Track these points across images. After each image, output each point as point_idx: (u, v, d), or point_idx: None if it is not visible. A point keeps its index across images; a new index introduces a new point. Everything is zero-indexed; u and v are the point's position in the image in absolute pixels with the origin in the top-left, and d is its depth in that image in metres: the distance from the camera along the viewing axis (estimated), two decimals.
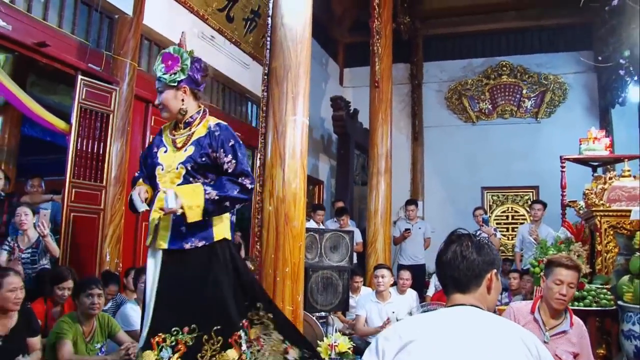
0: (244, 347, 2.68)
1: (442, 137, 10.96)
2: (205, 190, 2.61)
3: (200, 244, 2.67)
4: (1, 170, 5.24)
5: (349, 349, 4.52)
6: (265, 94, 4.71)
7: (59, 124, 5.32)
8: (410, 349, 1.54)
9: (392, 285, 5.61)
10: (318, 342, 4.62)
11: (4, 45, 4.85)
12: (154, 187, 2.81)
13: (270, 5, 4.82)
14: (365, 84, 8.86)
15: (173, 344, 2.55)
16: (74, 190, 5.22)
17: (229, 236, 2.78)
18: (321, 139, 10.38)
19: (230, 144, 2.73)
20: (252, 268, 4.61)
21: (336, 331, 4.95)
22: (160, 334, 2.57)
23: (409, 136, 11.08)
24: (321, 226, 7.04)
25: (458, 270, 1.69)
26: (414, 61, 11.21)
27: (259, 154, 4.71)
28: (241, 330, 2.69)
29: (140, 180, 2.89)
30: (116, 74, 5.64)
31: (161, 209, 2.61)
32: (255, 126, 8.55)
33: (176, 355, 2.54)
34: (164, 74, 2.72)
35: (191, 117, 2.80)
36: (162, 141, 2.85)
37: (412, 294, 6.00)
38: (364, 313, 5.35)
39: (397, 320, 5.32)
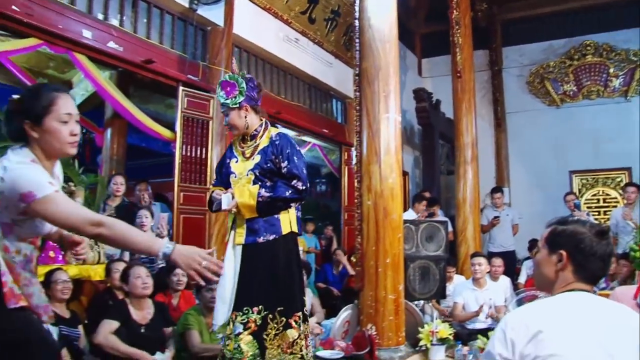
0: (302, 327, 3.07)
1: (526, 122, 10.78)
2: (259, 192, 3.02)
3: (271, 238, 3.08)
4: (123, 176, 5.69)
5: (449, 334, 4.67)
6: (357, 94, 4.91)
7: (165, 132, 5.76)
8: (541, 338, 1.56)
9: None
10: (419, 329, 4.80)
11: (116, 64, 5.34)
12: None
13: (357, 7, 5.01)
14: (444, 73, 8.89)
15: (244, 321, 2.96)
16: (182, 193, 5.63)
17: (295, 229, 3.19)
18: (404, 130, 10.48)
19: (287, 151, 3.11)
20: (354, 260, 4.84)
21: (436, 318, 5.10)
22: (234, 312, 3.01)
23: (491, 123, 10.97)
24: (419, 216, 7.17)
25: (603, 268, 1.76)
26: (492, 47, 11.06)
27: (355, 152, 4.92)
28: (301, 313, 3.09)
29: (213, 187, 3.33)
30: (212, 82, 5.98)
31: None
32: (341, 122, 8.80)
33: (247, 331, 2.95)
34: (225, 99, 3.14)
35: (255, 130, 3.21)
36: (233, 153, 3.28)
37: (505, 281, 6.09)
38: (462, 300, 5.49)
39: (495, 307, 5.43)
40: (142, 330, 3.71)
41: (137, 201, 5.83)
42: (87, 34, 4.76)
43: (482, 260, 5.54)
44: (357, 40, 5.03)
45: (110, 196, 5.44)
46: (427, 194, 8.14)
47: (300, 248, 7.00)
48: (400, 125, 4.81)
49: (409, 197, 10.35)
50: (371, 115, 4.73)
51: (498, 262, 6.08)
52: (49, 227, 2.04)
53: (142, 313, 3.80)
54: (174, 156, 5.66)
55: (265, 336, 2.97)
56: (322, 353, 4.23)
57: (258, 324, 2.97)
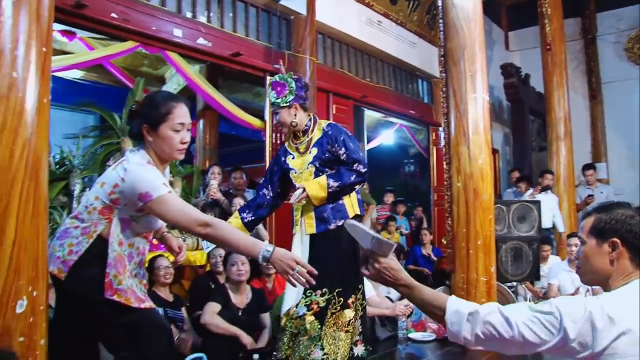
0: (358, 308, 3.21)
1: (624, 92, 10.11)
2: (328, 184, 3.15)
3: (340, 223, 3.21)
4: (219, 166, 5.91)
5: None
6: (443, 74, 4.87)
7: (255, 122, 5.95)
8: (624, 341, 1.45)
9: None
10: None
11: (206, 59, 5.58)
12: (287, 189, 3.46)
13: None
14: (534, 45, 8.56)
15: (307, 303, 3.13)
16: None
17: (358, 211, 3.33)
18: (492, 106, 10.19)
19: (341, 138, 3.22)
20: (445, 242, 4.84)
21: (529, 300, 5.01)
22: None
23: (585, 95, 10.43)
24: (525, 196, 6.96)
25: None
26: (585, 14, 10.47)
27: (443, 133, 4.89)
28: (359, 293, 3.24)
29: (237, 213, 3.45)
30: (298, 71, 6.07)
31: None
32: (427, 102, 8.71)
33: (310, 312, 3.11)
34: (276, 99, 3.30)
35: (306, 125, 3.31)
36: (287, 151, 3.42)
37: None
38: (557, 282, 5.33)
39: (592, 288, 5.24)
40: (240, 314, 3.90)
41: (232, 188, 6.04)
42: (177, 32, 5.00)
43: (578, 241, 5.33)
44: (440, 21, 4.98)
45: (208, 185, 5.68)
46: (516, 173, 7.93)
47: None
48: (488, 104, 4.73)
49: (499, 175, 10.11)
50: (458, 96, 4.68)
51: None
52: (161, 223, 2.23)
53: (241, 297, 4.00)
54: (265, 144, 5.86)
55: (325, 315, 3.14)
56: (414, 335, 4.29)
57: (321, 306, 3.13)
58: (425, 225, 8.02)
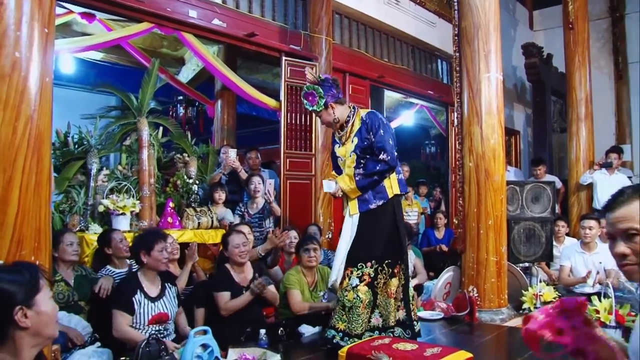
0: (403, 277, 3.60)
1: None
2: (355, 173, 3.49)
3: (380, 203, 3.55)
4: (231, 147, 5.98)
5: (554, 298, 4.56)
6: (457, 54, 4.85)
7: (270, 102, 5.98)
8: None
9: None
10: (522, 291, 4.75)
11: (221, 40, 5.62)
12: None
13: None
14: (559, 25, 8.40)
15: (359, 274, 3.47)
16: (288, 160, 5.87)
17: (397, 191, 3.61)
18: (514, 87, 10.08)
19: (375, 125, 3.51)
20: (456, 222, 4.85)
21: (540, 281, 5.00)
22: (349, 268, 3.50)
23: (611, 75, 10.18)
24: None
25: None
26: None
27: (455, 113, 4.88)
28: (403, 264, 3.60)
29: (333, 172, 3.84)
30: (314, 51, 6.11)
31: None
32: (447, 83, 8.63)
33: (363, 283, 3.46)
34: (312, 107, 3.59)
35: (348, 116, 3.62)
36: (335, 140, 3.77)
37: None
38: (569, 263, 5.30)
39: (605, 270, 5.19)
40: (244, 291, 3.89)
41: (248, 168, 6.12)
42: (192, 13, 5.05)
43: (593, 223, 5.23)
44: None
45: (221, 164, 5.77)
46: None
47: (416, 209, 7.11)
48: (502, 84, 4.70)
49: (520, 156, 10.02)
50: (471, 75, 4.67)
51: None
52: None
53: (243, 275, 3.97)
54: (280, 124, 5.90)
55: (376, 284, 3.49)
56: (422, 313, 4.32)
57: (372, 276, 3.47)
58: (443, 207, 8.00)
